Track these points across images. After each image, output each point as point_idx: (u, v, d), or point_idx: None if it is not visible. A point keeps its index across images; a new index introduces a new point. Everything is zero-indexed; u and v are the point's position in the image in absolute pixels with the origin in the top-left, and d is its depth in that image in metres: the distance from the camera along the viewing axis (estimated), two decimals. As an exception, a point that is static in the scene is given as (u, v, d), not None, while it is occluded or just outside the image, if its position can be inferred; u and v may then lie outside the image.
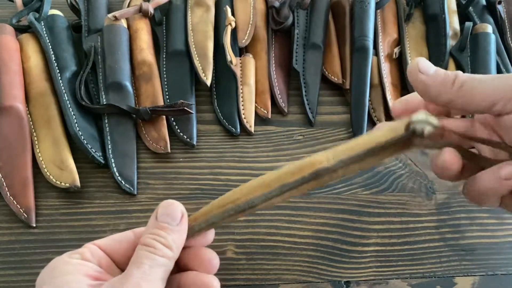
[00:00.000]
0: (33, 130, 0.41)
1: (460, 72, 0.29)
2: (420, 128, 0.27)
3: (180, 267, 0.29)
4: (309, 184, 0.29)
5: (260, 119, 0.46)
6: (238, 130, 0.45)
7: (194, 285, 0.28)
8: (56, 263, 0.26)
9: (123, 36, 0.46)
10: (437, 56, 0.49)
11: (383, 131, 0.29)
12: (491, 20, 0.52)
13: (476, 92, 0.28)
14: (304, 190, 0.29)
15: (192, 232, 0.29)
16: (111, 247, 0.28)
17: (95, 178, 0.41)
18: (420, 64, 0.29)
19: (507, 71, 0.49)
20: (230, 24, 0.47)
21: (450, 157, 0.29)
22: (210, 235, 0.30)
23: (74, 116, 0.41)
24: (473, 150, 0.32)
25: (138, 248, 0.27)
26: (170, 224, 0.28)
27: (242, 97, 0.46)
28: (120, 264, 0.28)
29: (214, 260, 0.30)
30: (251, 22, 0.49)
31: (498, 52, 0.49)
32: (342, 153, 0.29)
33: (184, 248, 0.28)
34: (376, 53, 0.50)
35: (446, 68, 0.49)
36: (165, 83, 0.46)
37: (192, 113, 0.43)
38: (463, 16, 0.52)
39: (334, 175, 0.29)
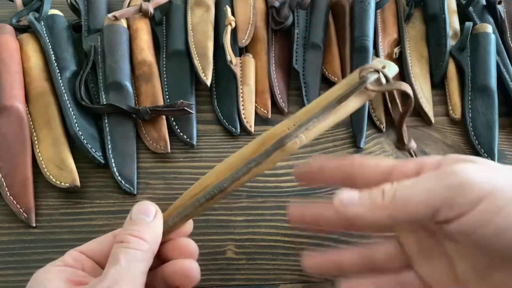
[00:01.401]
0: (33, 130, 0.41)
1: (386, 185, 0.26)
2: (374, 75, 0.27)
3: (162, 261, 0.30)
4: (275, 155, 0.29)
5: (260, 119, 0.46)
6: (238, 130, 0.45)
7: (174, 273, 0.29)
8: (38, 273, 0.27)
9: (123, 36, 0.46)
10: (437, 56, 0.49)
11: (338, 85, 0.29)
12: (491, 20, 0.52)
13: (413, 197, 0.24)
14: (271, 162, 0.29)
15: (167, 227, 0.29)
16: (93, 250, 0.29)
17: (95, 178, 0.41)
18: (343, 198, 0.26)
19: (507, 71, 0.48)
20: (230, 24, 0.47)
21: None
22: (188, 226, 0.31)
23: (74, 116, 0.41)
24: None
25: (113, 247, 0.27)
26: (144, 220, 0.28)
27: (242, 97, 0.46)
28: (104, 266, 0.28)
29: (190, 245, 0.30)
30: (251, 22, 0.49)
31: (498, 52, 0.49)
32: (301, 117, 0.29)
33: (163, 242, 0.29)
34: (376, 53, 0.49)
35: (446, 68, 0.49)
36: (165, 83, 0.46)
37: (192, 113, 0.43)
38: (463, 16, 0.52)
39: (298, 141, 0.28)
